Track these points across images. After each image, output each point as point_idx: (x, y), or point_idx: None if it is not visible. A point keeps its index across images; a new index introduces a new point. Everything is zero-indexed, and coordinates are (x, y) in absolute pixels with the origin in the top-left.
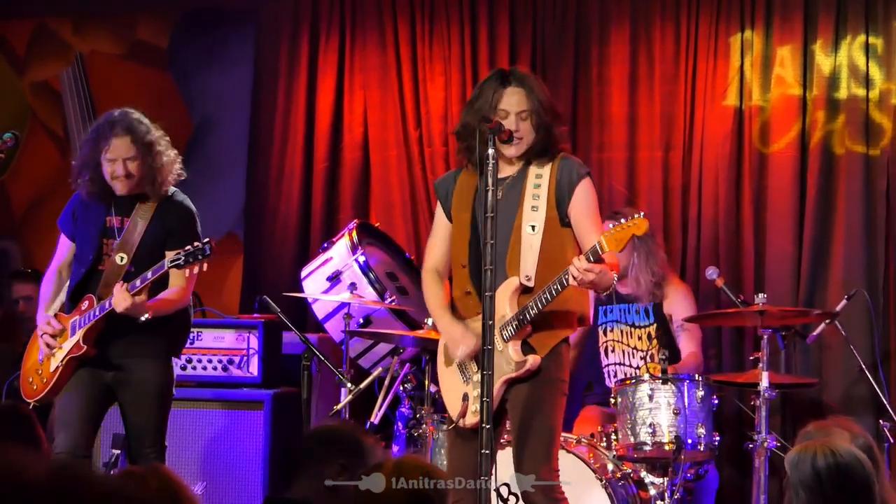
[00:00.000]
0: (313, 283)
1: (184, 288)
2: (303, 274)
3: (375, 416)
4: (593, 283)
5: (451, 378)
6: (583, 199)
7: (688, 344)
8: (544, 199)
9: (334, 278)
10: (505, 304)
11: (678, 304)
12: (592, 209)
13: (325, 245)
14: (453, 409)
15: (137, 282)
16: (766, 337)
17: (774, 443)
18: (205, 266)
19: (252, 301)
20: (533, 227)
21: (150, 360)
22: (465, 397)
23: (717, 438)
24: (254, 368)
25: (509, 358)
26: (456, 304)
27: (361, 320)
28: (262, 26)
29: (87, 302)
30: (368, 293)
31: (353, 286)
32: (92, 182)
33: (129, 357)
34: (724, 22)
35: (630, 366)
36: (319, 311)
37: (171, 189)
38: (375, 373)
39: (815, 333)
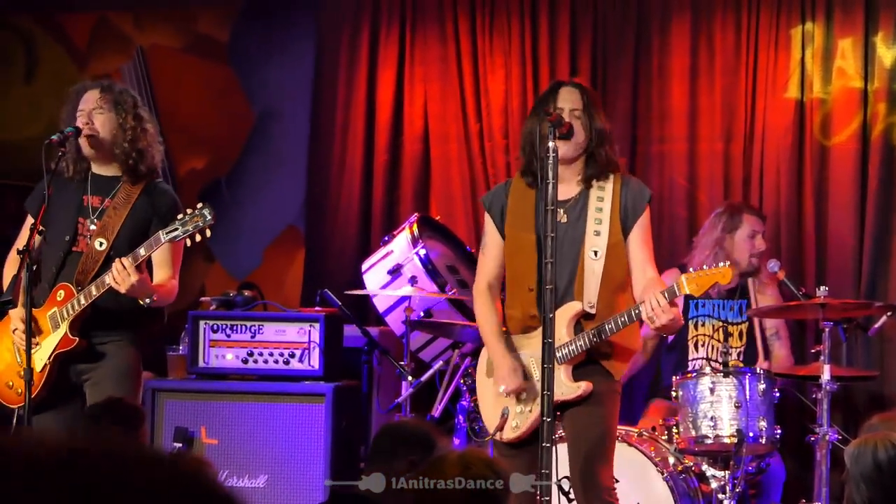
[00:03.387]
0: (374, 277)
1: (173, 279)
2: (364, 267)
3: (436, 410)
4: (664, 326)
5: (492, 389)
6: (642, 228)
7: (780, 351)
8: (607, 223)
9: (395, 271)
10: (562, 327)
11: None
12: (648, 239)
13: (386, 238)
14: (489, 419)
15: (130, 258)
16: (827, 330)
17: (836, 435)
18: (208, 233)
19: (313, 294)
20: (595, 253)
21: (113, 345)
22: (505, 412)
23: (779, 431)
24: (315, 362)
25: (560, 381)
26: (511, 321)
27: (422, 313)
28: (322, 19)
29: (62, 291)
30: (429, 286)
31: (413, 279)
32: (70, 154)
33: (97, 340)
34: (784, 14)
35: (718, 361)
36: (380, 304)
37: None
38: (436, 366)
39: (876, 326)
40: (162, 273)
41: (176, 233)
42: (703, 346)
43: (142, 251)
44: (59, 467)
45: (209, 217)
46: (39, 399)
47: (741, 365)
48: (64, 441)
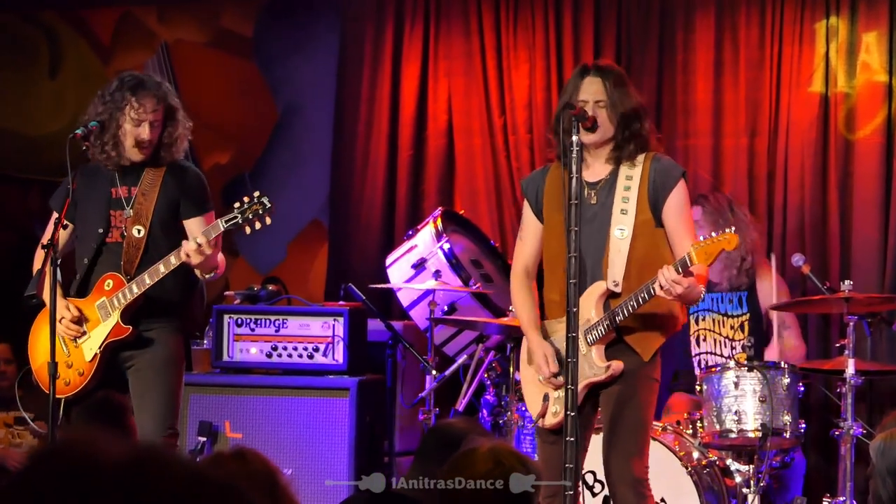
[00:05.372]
0: (398, 271)
1: (218, 252)
2: (388, 261)
3: (460, 404)
4: (680, 296)
5: (533, 376)
6: (676, 203)
7: (790, 341)
8: (634, 202)
9: (419, 266)
10: (591, 307)
11: (773, 298)
12: (686, 214)
13: (410, 233)
14: (533, 404)
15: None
16: (851, 324)
17: (860, 430)
18: (268, 220)
19: (337, 288)
20: (622, 231)
21: (159, 331)
22: (546, 398)
23: (803, 426)
24: (339, 356)
25: (592, 362)
26: (550, 305)
27: (446, 307)
28: (346, 14)
29: (111, 281)
30: (453, 281)
31: (437, 274)
32: (106, 145)
33: (142, 327)
34: (809, 8)
35: (721, 355)
36: (404, 298)
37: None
38: (460, 360)
39: None
40: None
41: (235, 220)
42: (704, 340)
43: (200, 239)
44: (122, 475)
45: (268, 205)
46: (88, 389)
47: (743, 359)
48: (127, 448)
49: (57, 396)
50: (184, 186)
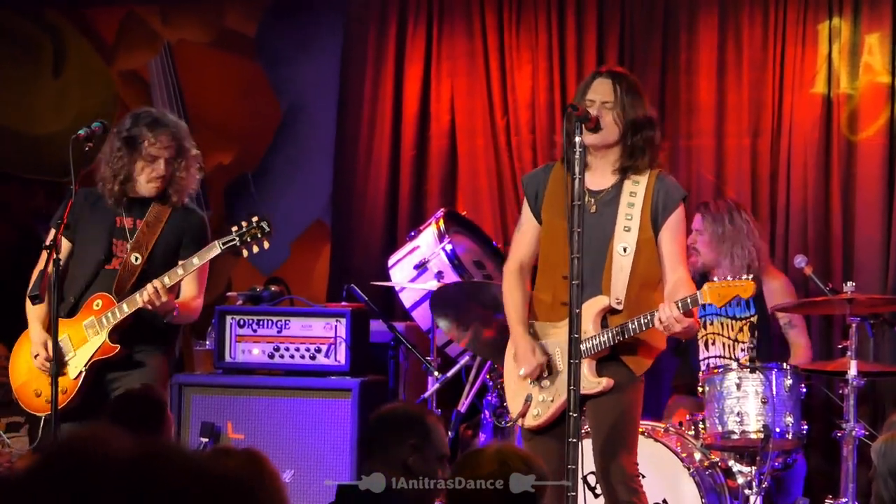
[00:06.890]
0: (400, 272)
1: (198, 298)
2: (390, 262)
3: (462, 405)
4: (678, 333)
5: (518, 373)
6: (673, 226)
7: (798, 340)
8: (637, 220)
9: (421, 267)
10: (588, 321)
11: (779, 300)
12: (680, 239)
13: (413, 233)
14: (513, 402)
15: (166, 279)
16: (854, 325)
17: (862, 431)
18: (265, 244)
19: (340, 289)
20: (624, 249)
21: (144, 354)
22: (529, 398)
23: (805, 427)
24: (341, 357)
25: (583, 375)
26: (540, 305)
27: None
28: (350, 14)
29: (100, 301)
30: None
31: (440, 275)
32: (118, 176)
33: (129, 350)
34: (812, 9)
35: (731, 358)
36: (407, 299)
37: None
38: (462, 361)
39: None
40: (188, 289)
41: (233, 243)
42: (713, 344)
43: (195, 260)
44: (125, 472)
45: (268, 229)
46: (71, 407)
47: (747, 361)
48: (131, 447)
49: (38, 414)
50: (187, 228)
